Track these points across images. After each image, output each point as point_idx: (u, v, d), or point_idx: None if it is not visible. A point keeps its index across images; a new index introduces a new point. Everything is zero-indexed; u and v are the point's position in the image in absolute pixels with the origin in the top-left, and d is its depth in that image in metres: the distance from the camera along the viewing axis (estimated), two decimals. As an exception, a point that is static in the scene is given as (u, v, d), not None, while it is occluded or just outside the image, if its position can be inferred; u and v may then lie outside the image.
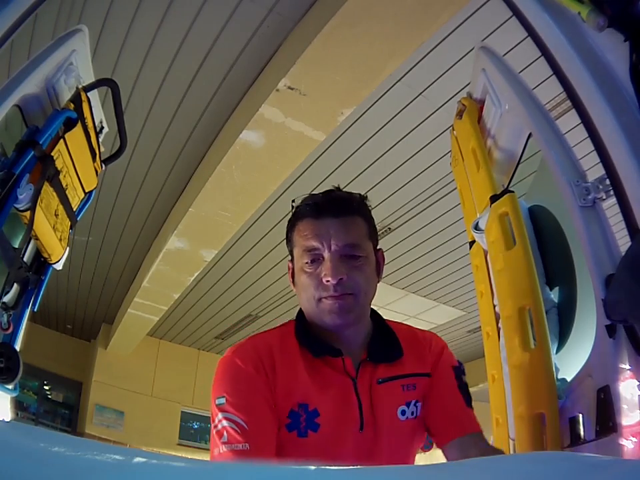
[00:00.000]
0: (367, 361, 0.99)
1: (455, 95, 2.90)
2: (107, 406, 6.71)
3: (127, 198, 4.34)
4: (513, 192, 1.28)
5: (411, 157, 3.58)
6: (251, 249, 4.75)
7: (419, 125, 3.30)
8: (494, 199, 1.30)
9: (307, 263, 0.97)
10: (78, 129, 1.52)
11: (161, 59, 2.99)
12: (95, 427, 6.52)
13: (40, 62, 1.41)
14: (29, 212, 1.32)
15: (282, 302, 5.72)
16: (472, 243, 1.47)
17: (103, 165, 1.80)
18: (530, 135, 1.29)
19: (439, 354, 1.05)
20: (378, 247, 1.04)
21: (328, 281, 0.94)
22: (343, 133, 3.35)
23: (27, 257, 1.49)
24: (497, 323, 1.31)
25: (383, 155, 3.57)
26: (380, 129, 3.35)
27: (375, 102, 3.12)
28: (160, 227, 4.67)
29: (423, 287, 5.32)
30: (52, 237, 1.50)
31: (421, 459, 1.04)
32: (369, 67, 2.57)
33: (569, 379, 1.08)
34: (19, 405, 6.24)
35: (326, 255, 0.95)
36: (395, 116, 3.24)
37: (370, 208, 1.05)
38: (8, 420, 1.37)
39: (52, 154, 1.41)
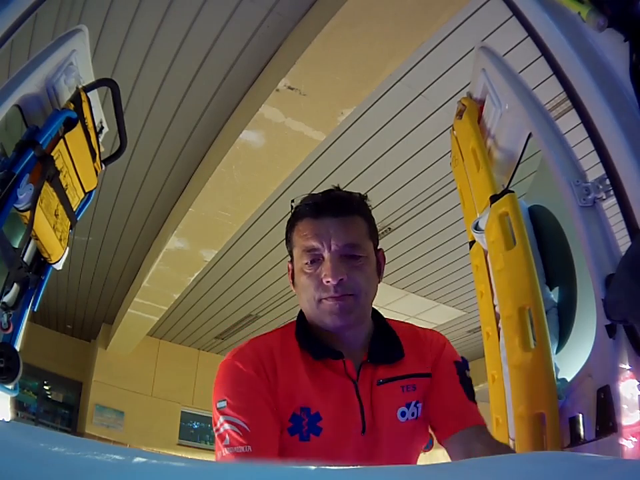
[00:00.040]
0: (367, 363, 0.98)
1: (455, 95, 2.90)
2: (107, 406, 6.71)
3: (126, 198, 4.34)
4: (513, 192, 1.28)
5: (411, 157, 3.58)
6: (251, 249, 4.75)
7: (419, 125, 3.30)
8: (494, 199, 1.30)
9: (306, 263, 0.96)
10: (78, 129, 1.52)
11: (161, 58, 2.99)
12: (95, 427, 6.52)
13: (40, 62, 1.41)
14: (29, 212, 1.32)
15: (282, 302, 5.72)
16: (472, 242, 1.47)
17: (103, 165, 1.80)
18: (530, 135, 1.29)
19: (439, 351, 1.04)
20: (378, 247, 1.04)
21: (328, 282, 0.93)
22: (343, 133, 3.35)
23: (27, 257, 1.49)
24: (497, 323, 1.31)
25: (383, 155, 3.57)
26: (380, 129, 3.35)
27: (375, 102, 3.12)
28: (160, 227, 4.67)
29: (423, 287, 5.32)
30: (52, 237, 1.50)
31: (421, 459, 1.04)
32: (369, 67, 2.57)
33: (569, 379, 1.07)
34: (19, 405, 6.24)
35: (326, 255, 0.94)
36: (395, 116, 3.24)
37: (370, 208, 1.04)
38: (8, 420, 1.37)
39: (52, 154, 1.41)
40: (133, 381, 6.92)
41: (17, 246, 1.41)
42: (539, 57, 1.09)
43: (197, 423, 7.49)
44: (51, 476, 0.35)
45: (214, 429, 0.91)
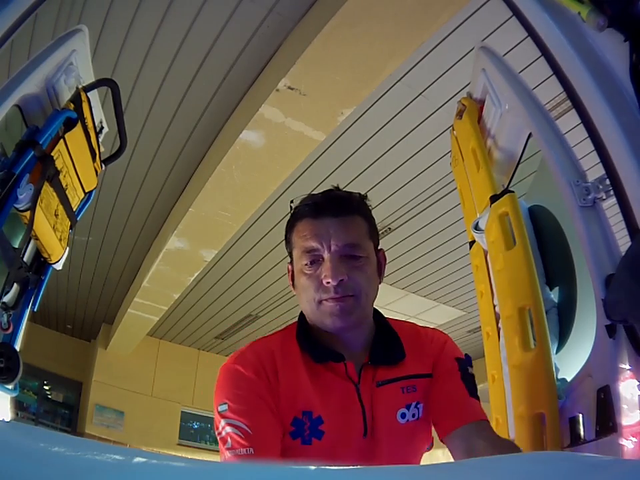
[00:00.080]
0: (368, 365, 0.97)
1: (455, 95, 2.90)
2: (107, 406, 6.71)
3: (126, 198, 4.34)
4: (513, 192, 1.28)
5: (411, 157, 3.58)
6: (251, 249, 4.75)
7: (419, 125, 3.30)
8: (494, 199, 1.30)
9: (306, 264, 0.95)
10: (78, 129, 1.52)
11: (160, 58, 2.99)
12: (95, 427, 6.52)
13: (40, 62, 1.41)
14: (28, 212, 1.32)
15: (282, 302, 5.72)
16: (472, 242, 1.47)
17: (103, 165, 1.80)
18: (530, 135, 1.29)
19: (440, 349, 1.03)
20: (379, 247, 1.03)
21: (328, 283, 0.92)
22: (343, 133, 3.35)
23: (27, 257, 1.49)
24: (497, 323, 1.31)
25: (383, 155, 3.57)
26: (380, 129, 3.35)
27: (375, 102, 3.12)
28: (160, 227, 4.67)
29: (423, 287, 5.32)
30: (52, 237, 1.50)
31: (421, 459, 1.04)
32: (369, 67, 2.57)
33: (569, 379, 1.07)
34: (18, 405, 6.24)
35: (326, 255, 0.94)
36: (395, 116, 3.24)
37: (370, 207, 1.04)
38: (8, 420, 1.37)
39: (52, 154, 1.41)
40: (133, 381, 6.92)
41: (17, 246, 1.41)
42: (539, 57, 1.09)
43: (197, 423, 7.49)
44: (51, 476, 0.35)
45: (216, 433, 0.91)
